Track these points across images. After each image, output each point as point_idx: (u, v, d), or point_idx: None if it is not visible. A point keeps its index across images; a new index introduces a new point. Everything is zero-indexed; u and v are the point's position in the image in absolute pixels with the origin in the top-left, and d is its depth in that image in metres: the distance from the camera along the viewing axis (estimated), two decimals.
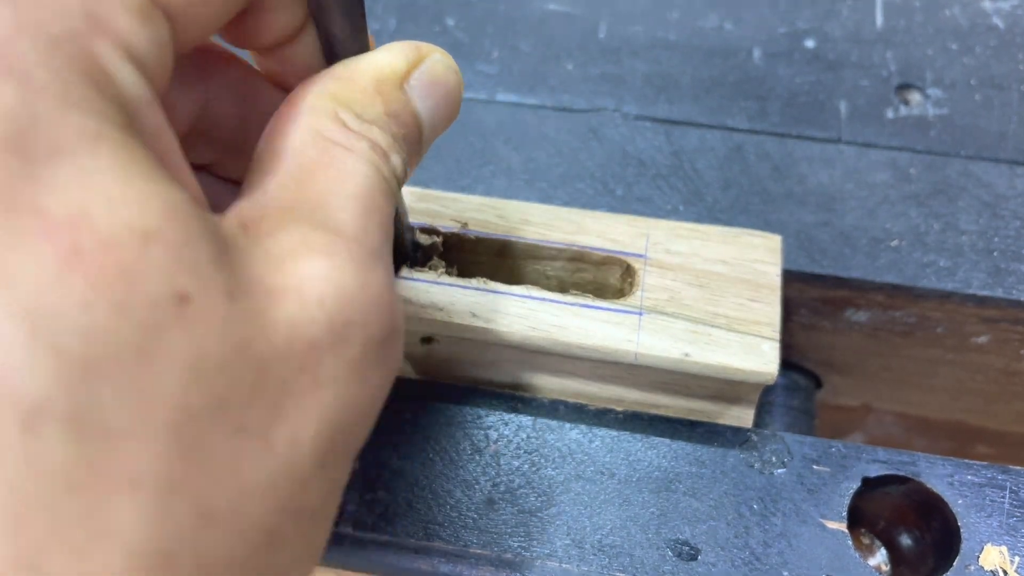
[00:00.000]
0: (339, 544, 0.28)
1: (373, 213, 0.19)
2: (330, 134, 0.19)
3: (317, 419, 0.16)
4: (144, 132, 0.16)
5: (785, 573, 0.27)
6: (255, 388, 0.15)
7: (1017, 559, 0.28)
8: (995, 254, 0.35)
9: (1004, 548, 0.28)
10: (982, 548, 0.28)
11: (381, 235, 0.19)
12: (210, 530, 0.14)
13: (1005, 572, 0.27)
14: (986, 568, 0.27)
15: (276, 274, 0.16)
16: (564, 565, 0.27)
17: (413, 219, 0.30)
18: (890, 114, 0.40)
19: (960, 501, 0.29)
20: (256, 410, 0.15)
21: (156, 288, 0.14)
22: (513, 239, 0.30)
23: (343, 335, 0.17)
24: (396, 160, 0.21)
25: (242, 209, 0.18)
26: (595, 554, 0.28)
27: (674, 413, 0.31)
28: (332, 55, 0.22)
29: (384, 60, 0.21)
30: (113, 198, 0.14)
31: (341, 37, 0.21)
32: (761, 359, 0.28)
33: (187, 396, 0.14)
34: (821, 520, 0.28)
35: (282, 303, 0.16)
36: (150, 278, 0.14)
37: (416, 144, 0.22)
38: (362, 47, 0.22)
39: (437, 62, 0.22)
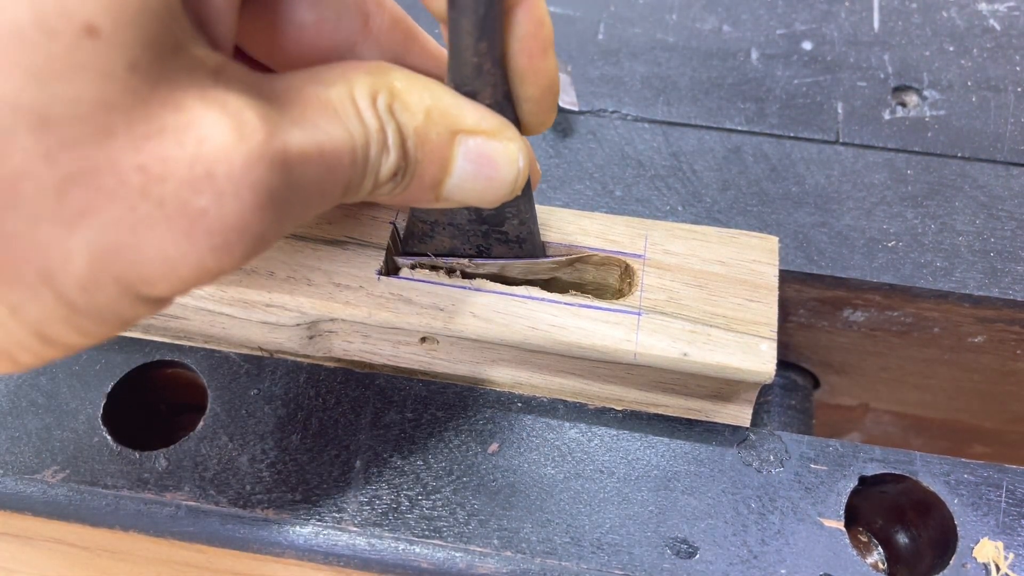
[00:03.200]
0: (340, 543, 0.28)
1: (319, 156, 0.19)
2: (358, 97, 0.20)
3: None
4: None
5: (783, 571, 0.28)
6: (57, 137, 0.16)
7: (1011, 555, 0.28)
8: (991, 255, 0.35)
9: (1000, 544, 0.28)
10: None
11: (298, 178, 0.19)
12: None
13: (998, 566, 0.28)
14: (979, 560, 0.28)
15: (188, 108, 0.17)
16: (563, 563, 0.28)
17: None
18: (887, 115, 0.40)
19: (956, 500, 0.29)
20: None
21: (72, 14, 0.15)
22: None
23: (181, 189, 0.17)
24: (388, 160, 0.21)
25: (231, 66, 0.19)
26: (594, 552, 0.28)
27: (673, 412, 0.31)
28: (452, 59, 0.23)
29: (461, 104, 0.22)
30: None
31: (460, 50, 0.22)
32: (759, 358, 0.28)
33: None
34: (818, 518, 0.29)
35: (155, 120, 0.17)
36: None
37: (429, 183, 0.23)
38: (480, 71, 0.22)
39: (505, 148, 0.23)
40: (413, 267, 0.30)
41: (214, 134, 0.17)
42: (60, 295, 0.17)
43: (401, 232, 0.30)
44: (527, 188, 0.27)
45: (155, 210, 0.17)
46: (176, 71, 0.17)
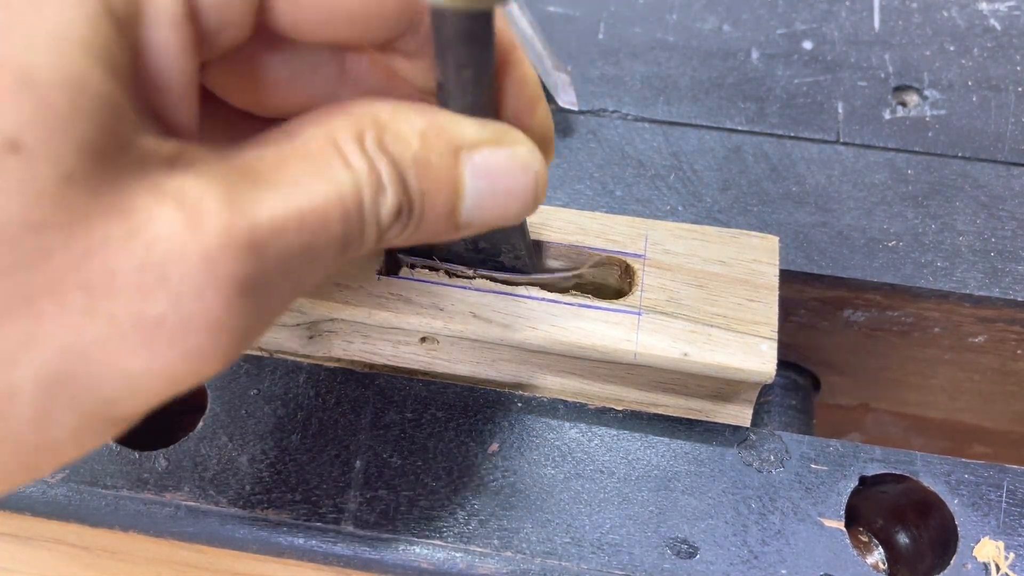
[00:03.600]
0: (339, 543, 0.28)
1: (299, 222, 0.17)
2: (341, 142, 0.19)
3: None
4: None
5: (783, 571, 0.28)
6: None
7: (1012, 555, 0.28)
8: (992, 254, 0.35)
9: (1000, 544, 0.28)
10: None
11: (288, 258, 0.17)
12: None
13: (998, 566, 0.28)
14: (980, 560, 0.28)
15: (137, 209, 0.16)
16: (563, 563, 0.28)
17: None
18: (887, 115, 0.40)
19: (957, 500, 0.29)
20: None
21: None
22: None
23: (137, 285, 0.16)
24: (386, 200, 0.19)
25: (190, 150, 0.17)
26: (594, 552, 0.28)
27: (673, 412, 0.31)
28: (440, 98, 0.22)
29: (457, 119, 0.21)
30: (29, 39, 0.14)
31: (448, 87, 0.21)
32: (759, 358, 0.28)
33: None
34: (819, 519, 0.29)
35: (110, 224, 0.15)
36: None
37: (443, 212, 0.21)
38: (475, 105, 0.21)
39: (514, 154, 0.21)
40: (413, 267, 0.30)
41: (165, 233, 0.15)
42: (9, 435, 0.16)
43: None
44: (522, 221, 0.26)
45: (106, 328, 0.15)
46: (122, 170, 0.16)
